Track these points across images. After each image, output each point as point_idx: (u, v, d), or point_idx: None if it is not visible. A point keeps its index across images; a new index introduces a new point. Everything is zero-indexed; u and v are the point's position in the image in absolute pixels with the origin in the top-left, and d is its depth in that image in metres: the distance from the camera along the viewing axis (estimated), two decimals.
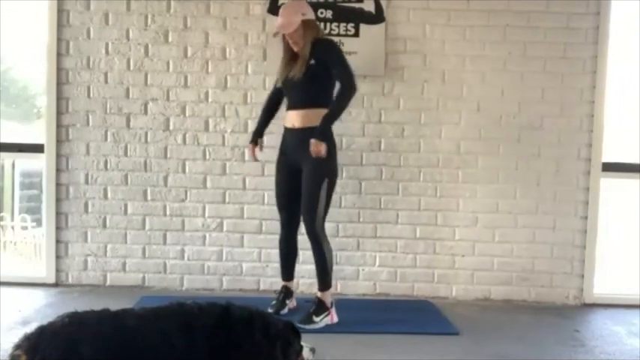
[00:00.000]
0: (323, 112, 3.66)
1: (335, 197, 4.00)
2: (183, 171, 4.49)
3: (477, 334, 3.73)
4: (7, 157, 5.00)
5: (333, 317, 3.77)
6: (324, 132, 3.64)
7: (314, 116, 3.67)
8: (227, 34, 4.45)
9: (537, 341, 3.65)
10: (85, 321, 2.21)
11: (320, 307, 3.76)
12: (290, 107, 3.85)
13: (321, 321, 3.71)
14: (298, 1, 3.85)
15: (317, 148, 3.60)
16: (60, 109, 4.45)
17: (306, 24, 3.72)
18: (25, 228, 5.44)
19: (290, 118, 3.82)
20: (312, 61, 3.70)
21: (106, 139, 4.47)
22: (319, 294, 3.80)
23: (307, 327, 3.55)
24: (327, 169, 3.73)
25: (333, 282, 3.96)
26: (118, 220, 4.49)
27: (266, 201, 4.48)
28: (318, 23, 3.93)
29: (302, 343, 2.61)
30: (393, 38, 4.45)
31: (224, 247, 4.51)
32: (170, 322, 2.28)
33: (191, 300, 2.43)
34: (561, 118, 4.49)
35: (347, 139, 4.40)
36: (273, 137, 4.45)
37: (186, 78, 4.47)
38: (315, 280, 4.31)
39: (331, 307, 3.78)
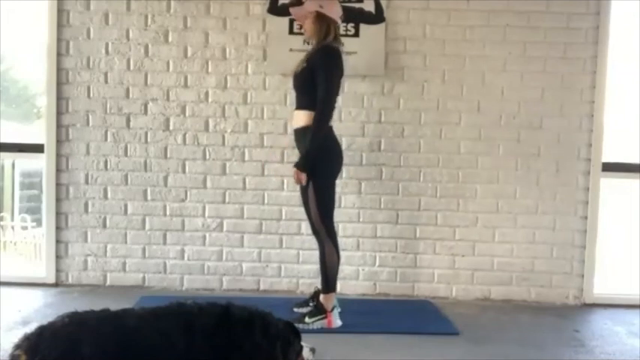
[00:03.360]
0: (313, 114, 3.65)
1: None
2: (183, 171, 4.49)
3: (477, 334, 3.73)
4: (7, 157, 5.00)
5: (331, 322, 3.71)
6: (304, 161, 3.65)
7: (304, 117, 3.68)
8: (227, 34, 4.45)
9: (537, 341, 3.65)
10: (85, 321, 2.21)
11: (316, 309, 3.75)
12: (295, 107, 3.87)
13: (314, 323, 3.67)
14: None
15: (296, 176, 3.67)
16: (60, 109, 4.45)
17: (319, 17, 3.69)
18: (25, 228, 5.43)
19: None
20: (305, 64, 3.70)
21: (106, 139, 4.47)
22: (321, 296, 3.79)
23: (299, 326, 3.52)
24: (314, 170, 3.67)
25: None
26: (118, 220, 4.49)
27: (266, 201, 4.48)
28: (336, 26, 3.75)
29: (302, 343, 2.61)
30: (393, 38, 4.45)
31: (224, 247, 4.51)
32: (170, 322, 2.29)
33: (191, 300, 2.43)
34: (561, 118, 4.49)
35: (347, 139, 4.38)
36: (272, 137, 4.47)
37: (186, 78, 4.47)
38: (314, 280, 4.32)
39: (331, 311, 3.73)
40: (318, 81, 3.63)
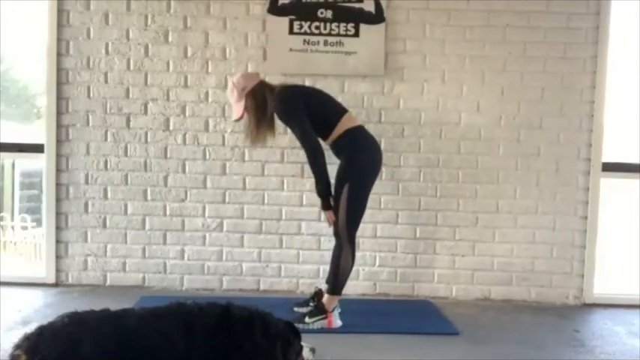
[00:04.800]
0: (340, 125, 3.72)
1: None
2: (183, 171, 4.49)
3: (477, 334, 3.73)
4: (7, 157, 5.00)
5: (331, 322, 3.71)
6: (321, 199, 3.74)
7: (335, 132, 3.72)
8: (227, 34, 4.45)
9: (537, 341, 3.65)
10: (85, 321, 2.21)
11: (317, 309, 3.74)
12: None
13: (314, 323, 3.67)
14: (239, 78, 3.78)
15: (328, 217, 3.76)
16: (60, 109, 4.45)
17: (251, 94, 3.72)
18: (25, 228, 5.43)
19: None
20: (285, 125, 3.81)
21: (106, 139, 4.47)
22: (325, 296, 3.78)
23: (299, 326, 3.51)
24: (347, 174, 3.69)
25: None
26: (118, 220, 4.49)
27: (266, 201, 4.48)
28: (263, 82, 3.80)
29: (302, 343, 2.62)
30: (393, 38, 4.45)
31: (224, 247, 4.51)
32: (170, 322, 2.29)
33: (191, 300, 2.43)
34: (561, 118, 4.49)
35: None
36: None
37: (186, 78, 4.47)
38: (314, 280, 4.33)
39: (332, 311, 3.73)
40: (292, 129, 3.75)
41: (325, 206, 3.74)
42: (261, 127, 3.80)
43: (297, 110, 3.69)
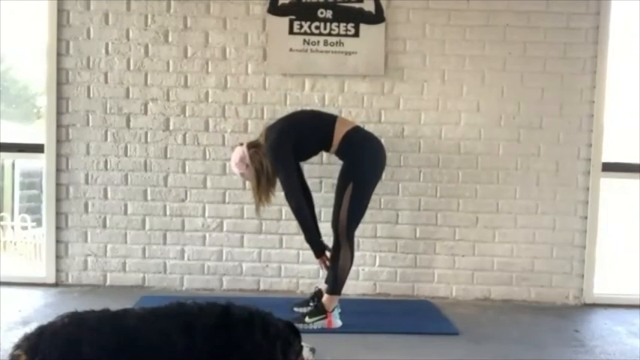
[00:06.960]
0: (337, 132, 3.72)
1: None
2: (183, 171, 4.49)
3: (476, 334, 3.73)
4: (7, 157, 5.00)
5: (331, 322, 3.70)
6: (313, 249, 3.86)
7: (335, 140, 3.72)
8: (227, 34, 4.45)
9: (537, 341, 3.65)
10: (85, 321, 2.21)
11: (317, 309, 3.74)
12: None
13: (314, 323, 3.67)
14: (237, 163, 3.80)
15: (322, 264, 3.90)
16: (60, 109, 4.45)
17: (253, 161, 3.75)
18: (25, 228, 5.43)
19: None
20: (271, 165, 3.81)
21: (106, 139, 4.47)
22: (325, 296, 3.78)
23: (299, 326, 3.51)
24: (350, 173, 3.69)
25: None
26: (118, 220, 4.49)
27: None
28: (249, 145, 3.80)
29: (302, 343, 2.61)
30: (393, 38, 4.45)
31: (224, 247, 4.51)
32: (170, 322, 2.29)
33: (191, 300, 2.43)
34: (561, 118, 4.49)
35: None
36: None
37: (186, 78, 4.47)
38: (314, 280, 4.33)
39: (332, 311, 3.72)
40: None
41: (318, 254, 3.83)
42: (266, 183, 3.80)
43: (283, 150, 3.70)
